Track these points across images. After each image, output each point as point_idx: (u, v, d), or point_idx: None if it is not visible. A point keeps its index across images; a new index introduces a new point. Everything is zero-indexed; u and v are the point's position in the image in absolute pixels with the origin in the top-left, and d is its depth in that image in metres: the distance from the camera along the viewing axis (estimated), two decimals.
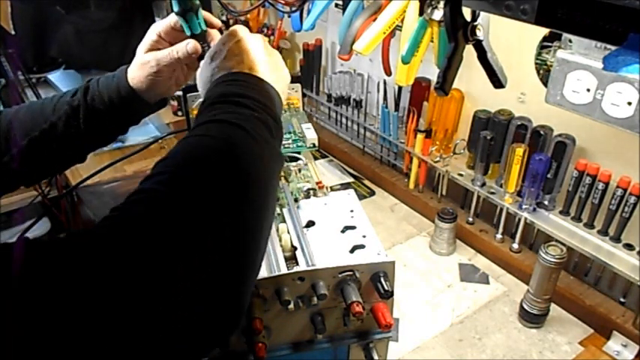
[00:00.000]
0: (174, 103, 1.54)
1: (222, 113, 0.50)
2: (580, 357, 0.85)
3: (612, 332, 0.86)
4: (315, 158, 1.31)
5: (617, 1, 0.36)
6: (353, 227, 0.73)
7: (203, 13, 0.68)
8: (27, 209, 1.36)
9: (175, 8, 0.66)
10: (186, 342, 0.36)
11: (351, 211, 0.76)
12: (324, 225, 0.73)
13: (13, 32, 1.44)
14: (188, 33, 0.67)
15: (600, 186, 0.85)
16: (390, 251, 1.07)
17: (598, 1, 0.37)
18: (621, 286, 0.88)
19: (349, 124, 1.35)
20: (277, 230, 0.73)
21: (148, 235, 0.38)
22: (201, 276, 0.38)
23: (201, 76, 0.60)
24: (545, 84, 0.87)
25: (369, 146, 1.33)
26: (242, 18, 1.50)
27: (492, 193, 1.02)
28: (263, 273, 0.65)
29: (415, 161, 1.17)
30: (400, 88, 1.18)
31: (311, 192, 0.82)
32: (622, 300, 0.89)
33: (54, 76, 1.66)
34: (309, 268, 0.64)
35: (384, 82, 1.19)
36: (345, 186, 1.28)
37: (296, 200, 0.80)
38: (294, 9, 0.83)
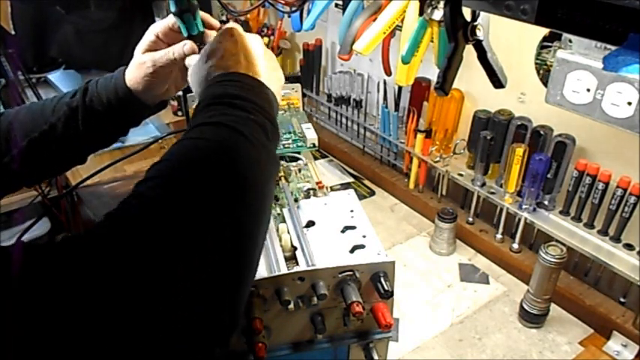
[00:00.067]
0: (174, 103, 1.54)
1: (218, 115, 0.49)
2: (580, 357, 0.85)
3: (612, 332, 0.86)
4: (315, 158, 1.31)
5: (617, 1, 0.36)
6: (353, 227, 0.73)
7: (201, 14, 0.67)
8: (27, 209, 1.36)
9: (172, 8, 0.65)
10: (187, 342, 0.36)
11: (351, 211, 0.76)
12: (324, 225, 0.73)
13: (13, 32, 1.44)
14: (185, 34, 0.66)
15: (600, 186, 0.85)
16: (390, 251, 1.07)
17: (598, 1, 0.37)
18: (621, 286, 0.88)
19: (349, 124, 1.35)
20: (277, 230, 0.73)
21: (144, 240, 0.37)
22: (201, 276, 0.38)
23: (196, 75, 0.59)
24: (545, 84, 0.87)
25: (369, 146, 1.33)
26: (242, 18, 1.50)
27: (492, 193, 1.02)
28: (263, 273, 0.65)
29: (415, 161, 1.17)
30: (400, 88, 1.18)
31: (311, 192, 0.82)
32: (622, 300, 0.89)
33: (54, 76, 1.66)
34: (309, 268, 0.64)
35: (384, 82, 1.19)
36: (345, 186, 1.28)
37: (296, 200, 0.80)
38: (294, 9, 0.83)
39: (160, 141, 0.88)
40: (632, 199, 0.82)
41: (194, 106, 0.55)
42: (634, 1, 0.35)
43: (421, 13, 0.71)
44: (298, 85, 1.10)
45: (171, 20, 0.67)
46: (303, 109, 1.14)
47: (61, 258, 0.35)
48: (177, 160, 0.45)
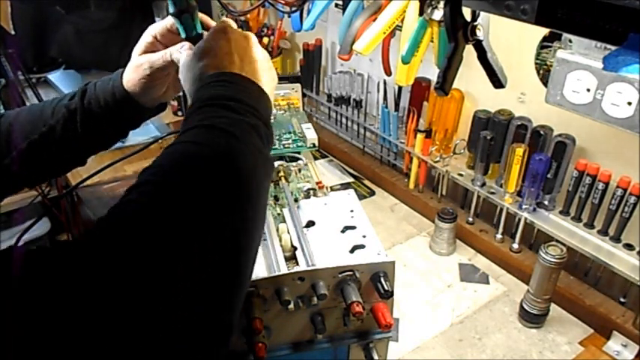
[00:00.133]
0: (175, 103, 1.54)
1: (211, 118, 0.48)
2: (580, 357, 0.85)
3: (612, 332, 0.86)
4: (315, 158, 1.30)
5: (617, 1, 0.36)
6: (353, 227, 0.73)
7: (200, 15, 0.66)
8: (27, 209, 1.36)
9: (171, 9, 0.64)
10: (187, 342, 0.36)
11: (351, 211, 0.76)
12: (324, 225, 0.73)
13: (13, 32, 1.44)
14: (183, 35, 0.65)
15: (600, 186, 0.85)
16: (390, 251, 1.07)
17: (598, 1, 0.37)
18: (621, 286, 0.88)
19: (349, 124, 1.35)
20: (277, 230, 0.73)
21: (135, 246, 0.37)
22: (198, 278, 0.38)
23: (188, 74, 0.58)
24: (545, 84, 0.87)
25: (369, 146, 1.33)
26: (242, 18, 1.50)
27: (492, 193, 1.02)
28: (263, 273, 0.65)
29: (415, 161, 1.17)
30: (400, 88, 1.18)
31: (311, 192, 0.82)
32: (622, 300, 0.89)
33: (54, 76, 1.66)
34: (309, 268, 0.64)
35: (384, 82, 1.19)
36: (345, 186, 1.28)
37: (296, 200, 0.80)
38: (294, 9, 0.83)
39: (159, 141, 0.88)
40: (632, 199, 0.82)
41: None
42: (634, 1, 0.35)
43: (421, 13, 0.71)
44: (298, 85, 1.10)
45: (169, 21, 0.66)
46: (303, 109, 1.14)
47: (56, 262, 0.35)
48: (168, 164, 0.44)
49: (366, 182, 1.31)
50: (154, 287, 0.36)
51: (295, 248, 0.70)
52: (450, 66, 0.59)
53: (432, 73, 0.87)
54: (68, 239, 1.76)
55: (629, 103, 0.72)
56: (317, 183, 0.86)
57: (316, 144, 0.97)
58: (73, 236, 1.70)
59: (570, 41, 0.78)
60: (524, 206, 0.96)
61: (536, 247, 0.90)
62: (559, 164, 0.91)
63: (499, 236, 1.04)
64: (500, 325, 0.91)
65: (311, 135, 0.97)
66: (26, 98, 1.44)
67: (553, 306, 0.90)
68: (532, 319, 0.89)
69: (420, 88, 1.12)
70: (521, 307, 0.90)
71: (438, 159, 1.11)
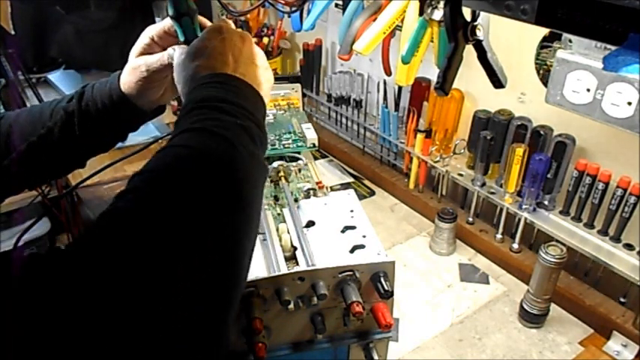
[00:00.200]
0: (175, 103, 1.54)
1: (203, 120, 0.47)
2: (580, 357, 0.85)
3: (612, 332, 0.86)
4: (315, 158, 1.30)
5: (617, 1, 0.36)
6: (353, 227, 0.73)
7: (199, 18, 0.65)
8: (27, 209, 1.36)
9: (170, 12, 0.63)
10: (187, 342, 0.36)
11: (351, 211, 0.76)
12: (324, 225, 0.73)
13: (13, 32, 1.44)
14: (182, 38, 0.64)
15: (600, 186, 0.85)
16: (390, 251, 1.07)
17: (598, 1, 0.37)
18: (621, 286, 0.88)
19: (349, 124, 1.35)
20: (277, 230, 0.73)
21: (125, 254, 0.36)
22: (201, 276, 0.38)
23: (181, 73, 0.57)
24: (545, 84, 0.87)
25: (369, 146, 1.33)
26: (242, 18, 1.50)
27: (492, 193, 1.02)
28: (263, 273, 0.65)
29: (415, 161, 1.17)
30: (400, 88, 1.18)
31: (311, 192, 0.82)
32: (622, 300, 0.89)
33: (54, 76, 1.66)
34: (309, 268, 0.64)
35: (384, 82, 1.19)
36: (345, 186, 1.28)
37: (296, 200, 0.80)
38: (294, 9, 0.83)
39: (159, 141, 0.88)
40: (632, 199, 0.82)
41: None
42: (634, 1, 0.35)
43: (421, 13, 0.71)
44: (298, 85, 1.11)
45: (167, 23, 0.65)
46: (303, 109, 1.14)
47: (53, 268, 0.35)
48: (159, 170, 0.44)
49: (366, 182, 1.31)
50: (151, 290, 0.36)
51: (295, 248, 0.70)
52: (450, 66, 0.59)
53: (432, 73, 0.87)
54: (68, 240, 1.76)
55: (629, 103, 0.72)
56: (317, 183, 0.86)
57: (316, 144, 0.97)
58: (73, 236, 1.70)
59: (570, 41, 0.78)
60: (524, 206, 0.96)
61: (536, 247, 0.90)
62: (559, 164, 0.91)
63: (499, 236, 1.04)
64: (500, 325, 0.91)
65: (311, 135, 0.97)
66: (26, 98, 1.44)
67: (553, 306, 0.90)
68: (532, 319, 0.89)
69: (420, 88, 1.12)
70: (521, 307, 0.90)
71: (438, 159, 1.11)
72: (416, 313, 0.93)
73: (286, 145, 0.96)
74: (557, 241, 0.89)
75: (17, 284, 0.34)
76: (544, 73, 0.92)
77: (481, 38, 0.60)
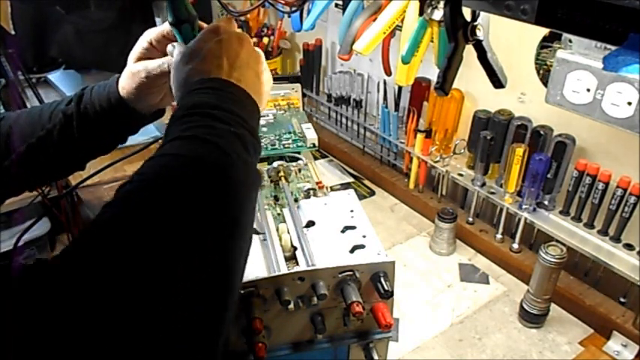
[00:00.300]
0: (175, 103, 1.54)
1: (194, 128, 0.46)
2: (580, 357, 0.85)
3: (612, 332, 0.86)
4: (315, 158, 1.31)
5: (617, 1, 0.36)
6: (353, 227, 0.73)
7: (200, 23, 0.64)
8: (27, 209, 1.36)
9: (170, 18, 0.62)
10: (186, 342, 0.36)
11: (351, 211, 0.76)
12: (324, 225, 0.73)
13: (13, 32, 1.44)
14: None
15: (600, 186, 0.85)
16: (390, 251, 1.07)
17: (598, 1, 0.37)
18: (621, 286, 0.88)
19: (349, 124, 1.35)
20: (277, 230, 0.73)
21: (114, 268, 0.36)
22: (201, 276, 0.38)
23: (175, 76, 0.56)
24: (545, 84, 0.87)
25: (369, 146, 1.33)
26: (242, 18, 1.50)
27: (492, 193, 1.02)
28: (263, 273, 0.65)
29: (415, 161, 1.17)
30: (400, 88, 1.18)
31: (311, 192, 0.82)
32: (622, 300, 0.89)
33: (54, 76, 1.66)
34: (309, 268, 0.64)
35: (384, 82, 1.19)
36: (345, 186, 1.28)
37: (296, 200, 0.80)
38: (294, 9, 0.83)
39: (159, 141, 0.88)
40: (632, 199, 0.82)
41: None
42: (634, 1, 0.35)
43: (421, 13, 0.71)
44: (298, 85, 1.11)
45: (166, 27, 0.64)
46: (303, 109, 1.14)
47: (48, 275, 0.35)
48: (147, 180, 0.42)
49: (366, 182, 1.31)
50: (147, 293, 0.35)
51: (295, 248, 0.70)
52: (450, 66, 0.59)
53: (432, 73, 0.87)
54: (68, 240, 1.76)
55: (629, 103, 0.72)
56: (317, 183, 0.86)
57: (316, 144, 0.97)
58: (73, 236, 1.70)
59: (570, 41, 0.78)
60: (524, 206, 0.96)
61: (536, 247, 0.90)
62: (559, 164, 0.91)
63: (499, 236, 1.04)
64: (500, 325, 0.91)
65: (311, 135, 0.97)
66: (26, 98, 1.44)
67: (553, 306, 0.90)
68: (532, 319, 0.89)
69: (420, 88, 1.12)
70: (521, 307, 0.90)
71: (438, 159, 1.11)
72: (416, 313, 0.93)
73: (286, 145, 0.96)
74: (557, 241, 0.89)
75: (17, 291, 0.34)
76: (544, 73, 0.92)
77: (481, 38, 0.60)
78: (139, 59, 0.66)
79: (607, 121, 0.75)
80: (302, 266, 0.66)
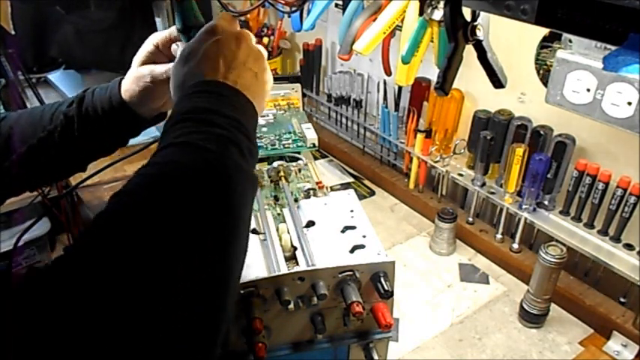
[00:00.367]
0: None
1: (188, 134, 0.45)
2: (580, 357, 0.85)
3: (612, 332, 0.86)
4: (315, 158, 1.31)
5: (617, 1, 0.36)
6: (353, 227, 0.73)
7: None
8: (27, 209, 1.36)
9: (178, 25, 0.61)
10: (186, 342, 0.36)
11: (351, 211, 0.76)
12: (324, 225, 0.73)
13: (13, 32, 1.44)
14: None
15: (600, 186, 0.85)
16: (390, 251, 1.07)
17: (598, 1, 0.37)
18: (621, 286, 0.88)
19: (349, 124, 1.35)
20: (277, 230, 0.73)
21: (103, 280, 0.35)
22: (200, 276, 0.38)
23: (172, 80, 0.54)
24: (545, 84, 0.87)
25: (369, 146, 1.33)
26: (242, 18, 1.50)
27: (492, 193, 1.02)
28: (263, 273, 0.65)
29: (415, 161, 1.17)
30: (400, 88, 1.18)
31: (311, 192, 0.82)
32: (622, 300, 0.89)
33: (54, 76, 1.66)
34: (309, 268, 0.64)
35: (384, 82, 1.19)
36: (345, 186, 1.28)
37: (296, 200, 0.80)
38: (294, 9, 0.83)
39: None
40: (632, 199, 0.82)
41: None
42: (634, 1, 0.35)
43: (421, 13, 0.71)
44: (298, 85, 1.11)
45: (172, 31, 0.64)
46: (303, 109, 1.14)
47: (43, 278, 0.35)
48: (138, 191, 0.42)
49: (366, 182, 1.31)
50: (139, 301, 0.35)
51: (295, 248, 0.70)
52: (450, 66, 0.59)
53: (432, 73, 0.87)
54: (68, 239, 1.76)
55: (629, 103, 0.72)
56: (317, 183, 0.86)
57: (316, 144, 0.97)
58: (73, 237, 1.70)
59: (570, 41, 0.78)
60: (524, 206, 0.96)
61: (536, 247, 0.90)
62: (559, 164, 0.91)
63: (499, 236, 1.04)
64: (500, 325, 0.91)
65: (311, 135, 0.97)
66: (26, 98, 1.44)
67: (553, 306, 0.90)
68: (532, 319, 0.89)
69: (420, 88, 1.12)
70: (521, 307, 0.90)
71: (438, 159, 1.11)
72: (416, 313, 0.93)
73: (286, 145, 0.96)
74: (557, 241, 0.89)
75: (17, 292, 0.34)
76: (544, 73, 0.92)
77: (481, 38, 0.60)
78: (144, 63, 0.65)
79: (607, 121, 0.75)
80: (302, 266, 0.66)
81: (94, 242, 0.38)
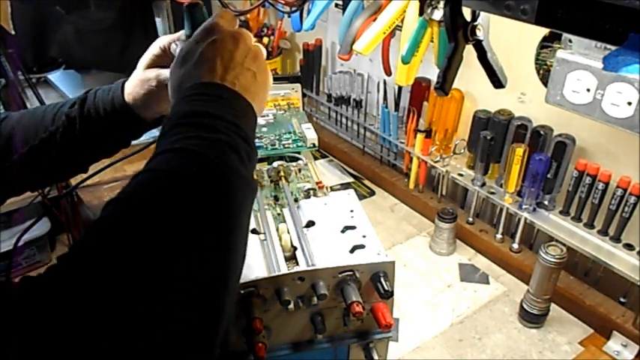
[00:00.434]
0: None
1: (185, 139, 0.44)
2: (580, 357, 0.85)
3: (612, 332, 0.86)
4: (315, 158, 1.31)
5: (617, 1, 0.36)
6: (353, 227, 0.73)
7: None
8: (27, 209, 1.36)
9: (187, 31, 0.61)
10: (186, 342, 0.37)
11: (351, 211, 0.76)
12: (324, 225, 0.73)
13: (13, 32, 1.44)
14: None
15: (600, 186, 0.85)
16: (390, 251, 1.07)
17: (598, 1, 0.37)
18: (621, 286, 0.88)
19: (349, 124, 1.35)
20: (277, 230, 0.73)
21: (95, 292, 0.35)
22: (200, 277, 0.38)
23: (170, 82, 0.54)
24: (545, 84, 0.87)
25: (369, 146, 1.33)
26: (242, 18, 1.50)
27: (492, 193, 1.02)
28: (263, 273, 0.65)
29: (415, 161, 1.17)
30: (400, 88, 1.18)
31: (311, 192, 0.82)
32: (622, 300, 0.89)
33: (54, 76, 1.66)
34: (309, 268, 0.64)
35: (384, 82, 1.19)
36: (345, 186, 1.28)
37: (296, 200, 0.80)
38: (294, 9, 0.83)
39: None
40: (632, 199, 0.82)
41: None
42: (634, 1, 0.35)
43: (421, 13, 0.71)
44: (298, 85, 1.11)
45: (180, 35, 0.63)
46: (303, 109, 1.14)
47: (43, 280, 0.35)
48: (134, 199, 0.41)
49: (366, 182, 1.31)
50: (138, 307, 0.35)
51: (295, 248, 0.70)
52: (450, 66, 0.59)
53: (432, 73, 0.87)
54: (68, 239, 1.76)
55: (629, 103, 0.72)
56: (317, 183, 0.86)
57: (316, 144, 0.97)
58: (73, 237, 1.70)
59: (570, 41, 0.78)
60: (524, 206, 0.96)
61: (536, 247, 0.90)
62: (559, 164, 0.91)
63: (499, 236, 1.04)
64: (500, 325, 0.91)
65: (311, 135, 0.97)
66: (26, 98, 1.44)
67: (553, 306, 0.90)
68: (532, 319, 0.89)
69: (420, 88, 1.12)
70: (521, 307, 0.90)
71: (438, 159, 1.11)
72: (416, 313, 0.93)
73: (286, 145, 0.96)
74: (557, 241, 0.89)
75: (17, 292, 0.34)
76: (544, 73, 0.92)
77: (481, 38, 0.59)
78: (150, 66, 0.65)
79: (607, 121, 0.75)
80: (302, 266, 0.66)
81: (93, 246, 0.38)
